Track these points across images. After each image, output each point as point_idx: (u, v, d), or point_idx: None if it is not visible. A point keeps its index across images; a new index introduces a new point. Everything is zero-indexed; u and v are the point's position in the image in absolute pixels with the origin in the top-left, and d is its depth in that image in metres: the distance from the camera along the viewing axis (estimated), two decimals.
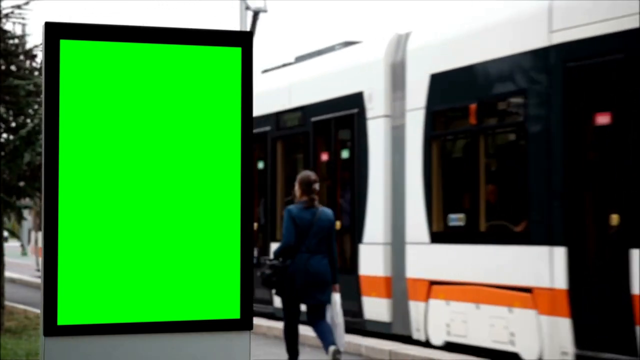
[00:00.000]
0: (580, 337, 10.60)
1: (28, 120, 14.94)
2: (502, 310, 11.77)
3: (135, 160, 3.42)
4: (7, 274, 19.47)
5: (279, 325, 15.61)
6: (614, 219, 10.25)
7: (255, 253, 16.71)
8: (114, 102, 3.40)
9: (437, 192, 13.02)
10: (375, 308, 14.24)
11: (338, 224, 14.13)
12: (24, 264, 37.12)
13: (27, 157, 14.15)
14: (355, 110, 14.72)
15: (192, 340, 3.48)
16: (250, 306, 3.52)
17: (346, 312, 12.80)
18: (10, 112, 14.77)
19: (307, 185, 10.38)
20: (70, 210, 3.35)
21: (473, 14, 13.00)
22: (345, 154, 15.32)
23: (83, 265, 3.36)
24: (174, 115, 3.46)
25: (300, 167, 16.28)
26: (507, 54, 11.88)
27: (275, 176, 17.03)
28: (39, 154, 14.06)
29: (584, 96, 10.76)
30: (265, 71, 18.48)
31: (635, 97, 10.08)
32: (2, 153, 14.64)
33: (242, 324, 3.51)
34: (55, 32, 3.35)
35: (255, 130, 16.31)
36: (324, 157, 15.83)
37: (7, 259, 17.42)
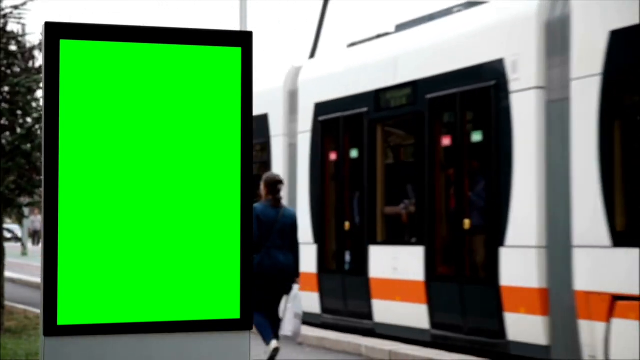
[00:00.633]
0: None
1: (28, 119, 14.95)
2: None
3: (135, 161, 3.42)
4: (7, 274, 19.46)
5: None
6: None
7: (348, 259, 14.88)
8: (113, 102, 3.40)
9: (620, 182, 10.18)
10: (525, 327, 11.50)
11: (467, 223, 12.30)
12: (24, 264, 37.11)
13: (27, 148, 14.19)
14: (492, 83, 12.04)
15: (192, 340, 3.48)
16: (250, 306, 3.52)
17: (481, 331, 11.93)
18: (11, 111, 14.77)
19: (272, 185, 11.16)
20: (70, 210, 3.35)
21: None
22: (476, 136, 12.60)
23: (83, 265, 3.36)
24: (174, 115, 3.46)
25: (409, 154, 14.27)
26: None
27: (375, 166, 14.35)
28: (39, 150, 14.07)
29: None
30: (353, 45, 15.91)
31: None
32: (3, 152, 14.64)
33: (242, 324, 3.51)
34: (55, 32, 3.36)
35: (347, 113, 14.86)
36: (445, 141, 13.07)
37: (7, 259, 17.42)
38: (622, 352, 9.83)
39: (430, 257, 12.94)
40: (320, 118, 15.54)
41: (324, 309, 15.34)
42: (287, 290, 11.28)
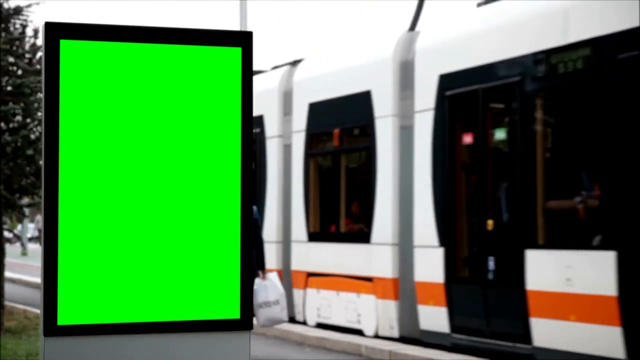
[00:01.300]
0: None
1: (28, 120, 14.95)
2: None
3: (135, 161, 3.42)
4: (7, 274, 19.45)
5: (279, 325, 15.62)
6: None
7: (492, 266, 11.88)
8: (114, 102, 3.40)
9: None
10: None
11: None
12: (24, 264, 37.10)
13: (29, 151, 14.19)
14: None
15: (192, 340, 3.48)
16: (250, 306, 3.52)
17: None
18: (13, 111, 14.77)
19: None
20: (70, 211, 3.35)
21: None
22: None
23: (83, 265, 3.36)
24: (174, 115, 3.46)
25: (587, 131, 11.00)
26: None
27: (533, 149, 11.42)
28: (40, 152, 14.08)
29: None
30: (486, 2, 12.97)
31: None
32: (4, 153, 14.64)
33: (242, 324, 3.52)
34: (55, 32, 3.36)
35: (488, 84, 12.10)
36: None
37: (7, 259, 17.41)
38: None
39: (626, 264, 10.03)
40: (448, 92, 12.69)
41: (455, 328, 12.41)
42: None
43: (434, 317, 12.70)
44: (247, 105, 3.54)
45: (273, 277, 11.83)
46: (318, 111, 15.62)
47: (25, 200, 16.34)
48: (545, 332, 11.11)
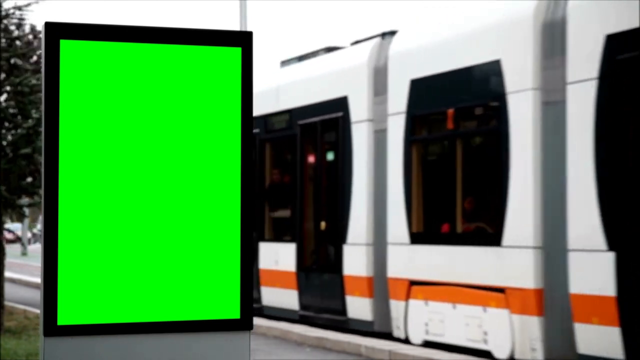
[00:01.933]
0: None
1: (29, 121, 14.95)
2: None
3: (135, 161, 3.42)
4: (7, 274, 19.45)
5: (279, 325, 15.62)
6: None
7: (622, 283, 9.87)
8: (114, 102, 3.40)
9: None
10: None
11: None
12: (24, 264, 37.10)
13: (27, 150, 14.17)
14: None
15: (192, 340, 3.48)
16: (250, 306, 3.52)
17: None
18: (13, 110, 14.77)
19: None
20: (70, 211, 3.35)
21: None
22: None
23: (83, 265, 3.36)
24: (174, 115, 3.46)
25: None
26: None
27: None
28: (39, 151, 14.08)
29: None
30: None
31: None
32: (3, 152, 14.64)
33: (242, 324, 3.51)
34: (55, 32, 3.35)
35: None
36: None
37: (7, 259, 17.41)
38: None
39: None
40: (620, 56, 10.30)
41: (630, 351, 10.05)
42: None
43: (600, 339, 10.20)
44: (247, 105, 3.53)
45: None
46: (423, 88, 13.20)
47: (25, 200, 16.34)
48: None
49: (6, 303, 16.61)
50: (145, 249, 3.42)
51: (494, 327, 11.75)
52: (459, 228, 12.54)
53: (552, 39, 11.31)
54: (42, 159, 3.39)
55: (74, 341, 3.36)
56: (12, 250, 39.97)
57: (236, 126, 3.52)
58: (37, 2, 15.15)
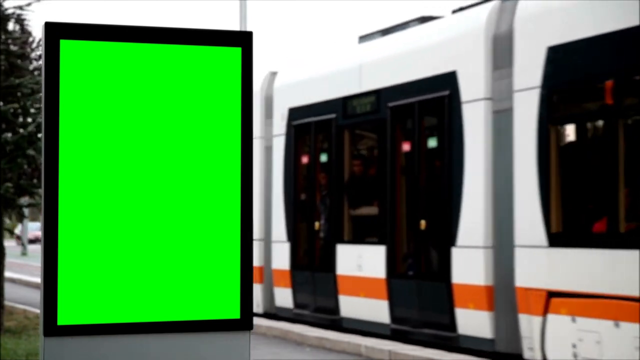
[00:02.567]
0: None
1: (29, 120, 14.95)
2: None
3: (135, 161, 3.42)
4: (7, 274, 19.44)
5: (279, 325, 15.62)
6: None
7: None
8: (113, 102, 3.40)
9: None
10: None
11: None
12: (24, 264, 37.09)
13: (30, 151, 14.19)
14: None
15: (192, 340, 3.48)
16: (250, 306, 3.52)
17: None
18: (12, 111, 14.77)
19: None
20: (70, 211, 3.35)
21: None
22: None
23: (83, 265, 3.36)
24: (173, 115, 3.46)
25: None
26: None
27: None
28: (40, 151, 14.09)
29: None
30: None
31: None
32: (3, 152, 14.65)
33: (242, 324, 3.51)
34: (55, 32, 3.35)
35: None
36: None
37: (7, 259, 17.41)
38: None
39: None
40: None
41: None
42: None
43: None
44: (247, 105, 3.53)
45: None
46: (566, 57, 10.89)
47: (25, 199, 16.34)
48: None
49: (6, 303, 16.61)
50: (145, 248, 3.42)
51: None
52: (621, 227, 10.13)
53: None
54: (42, 159, 3.38)
55: (74, 341, 3.36)
56: (12, 250, 39.98)
57: (236, 126, 3.52)
58: (37, 1, 15.16)
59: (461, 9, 13.46)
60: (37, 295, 19.83)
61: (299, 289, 16.30)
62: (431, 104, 13.29)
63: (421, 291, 13.18)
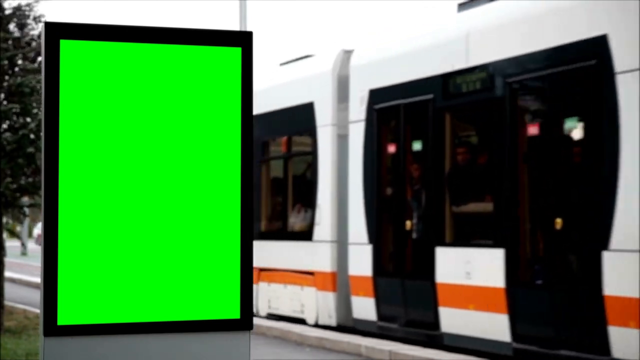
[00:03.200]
0: None
1: (29, 119, 14.95)
2: None
3: (135, 161, 3.42)
4: (7, 274, 19.45)
5: (279, 325, 15.63)
6: None
7: None
8: (113, 102, 3.40)
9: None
10: None
11: None
12: (24, 264, 37.10)
13: (29, 150, 14.19)
14: None
15: (192, 340, 3.48)
16: (250, 306, 3.52)
17: None
18: (14, 111, 14.78)
19: None
20: (70, 210, 3.35)
21: None
22: None
23: (83, 265, 3.36)
24: (174, 115, 3.46)
25: None
26: None
27: None
28: (40, 151, 14.10)
29: None
30: None
31: None
32: (4, 152, 14.65)
33: (242, 324, 3.51)
34: (55, 32, 3.35)
35: None
36: None
37: (7, 259, 17.42)
38: None
39: None
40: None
41: None
42: None
43: None
44: (247, 105, 3.54)
45: None
46: None
47: (25, 199, 16.34)
48: None
49: (6, 303, 16.61)
50: (145, 248, 3.42)
51: None
52: None
53: None
54: (42, 159, 3.38)
55: (74, 341, 3.36)
56: (12, 250, 40.00)
57: (236, 126, 3.52)
58: (36, 2, 15.18)
59: None
60: (37, 295, 19.84)
61: (385, 298, 13.84)
62: (574, 76, 10.87)
63: (556, 304, 10.83)
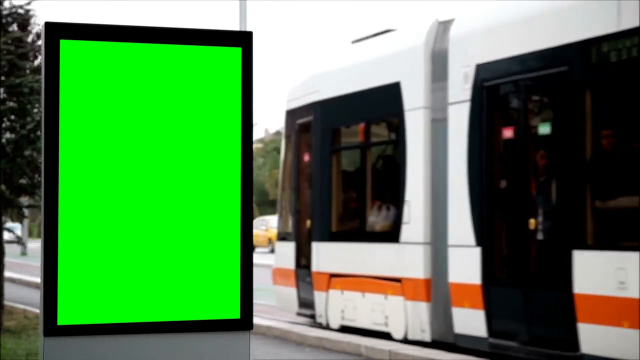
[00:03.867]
0: None
1: (29, 119, 14.96)
2: None
3: (135, 161, 3.42)
4: (7, 274, 19.45)
5: (279, 325, 15.62)
6: None
7: None
8: (114, 102, 3.41)
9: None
10: None
11: None
12: (24, 264, 37.10)
13: (27, 151, 14.20)
14: None
15: (192, 340, 3.48)
16: (250, 306, 3.52)
17: None
18: (13, 112, 14.79)
19: None
20: (70, 210, 3.35)
21: None
22: None
23: (83, 265, 3.36)
24: (173, 115, 3.46)
25: None
26: None
27: None
28: (40, 151, 14.11)
29: None
30: None
31: None
32: (4, 152, 14.66)
33: (242, 324, 3.52)
34: (55, 32, 3.35)
35: None
36: None
37: (7, 259, 17.42)
38: None
39: None
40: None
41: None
42: None
43: None
44: (247, 105, 3.54)
45: None
46: None
47: (25, 199, 16.34)
48: None
49: (6, 303, 16.61)
50: (145, 248, 3.42)
51: None
52: None
53: None
54: (42, 159, 3.39)
55: (73, 341, 3.36)
56: (12, 250, 40.02)
57: (236, 126, 3.52)
58: (28, 3, 15.18)
59: None
60: (37, 295, 19.85)
61: (499, 311, 11.65)
62: None
63: None
